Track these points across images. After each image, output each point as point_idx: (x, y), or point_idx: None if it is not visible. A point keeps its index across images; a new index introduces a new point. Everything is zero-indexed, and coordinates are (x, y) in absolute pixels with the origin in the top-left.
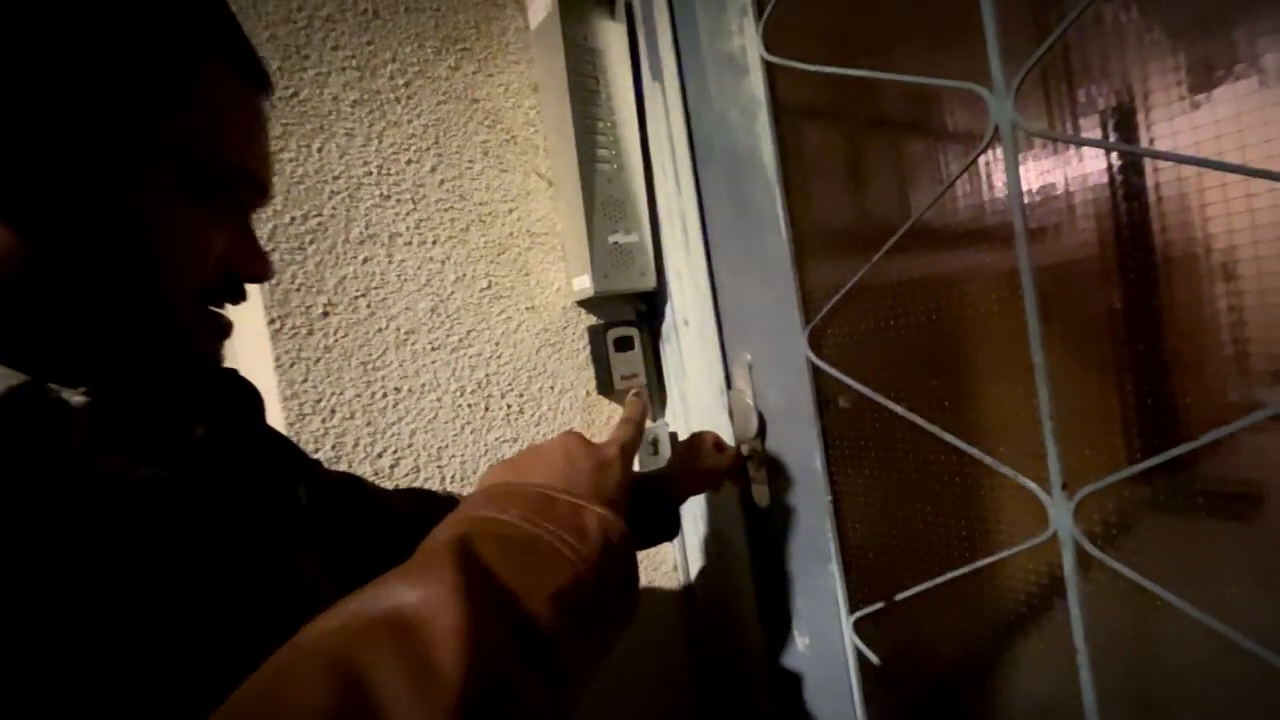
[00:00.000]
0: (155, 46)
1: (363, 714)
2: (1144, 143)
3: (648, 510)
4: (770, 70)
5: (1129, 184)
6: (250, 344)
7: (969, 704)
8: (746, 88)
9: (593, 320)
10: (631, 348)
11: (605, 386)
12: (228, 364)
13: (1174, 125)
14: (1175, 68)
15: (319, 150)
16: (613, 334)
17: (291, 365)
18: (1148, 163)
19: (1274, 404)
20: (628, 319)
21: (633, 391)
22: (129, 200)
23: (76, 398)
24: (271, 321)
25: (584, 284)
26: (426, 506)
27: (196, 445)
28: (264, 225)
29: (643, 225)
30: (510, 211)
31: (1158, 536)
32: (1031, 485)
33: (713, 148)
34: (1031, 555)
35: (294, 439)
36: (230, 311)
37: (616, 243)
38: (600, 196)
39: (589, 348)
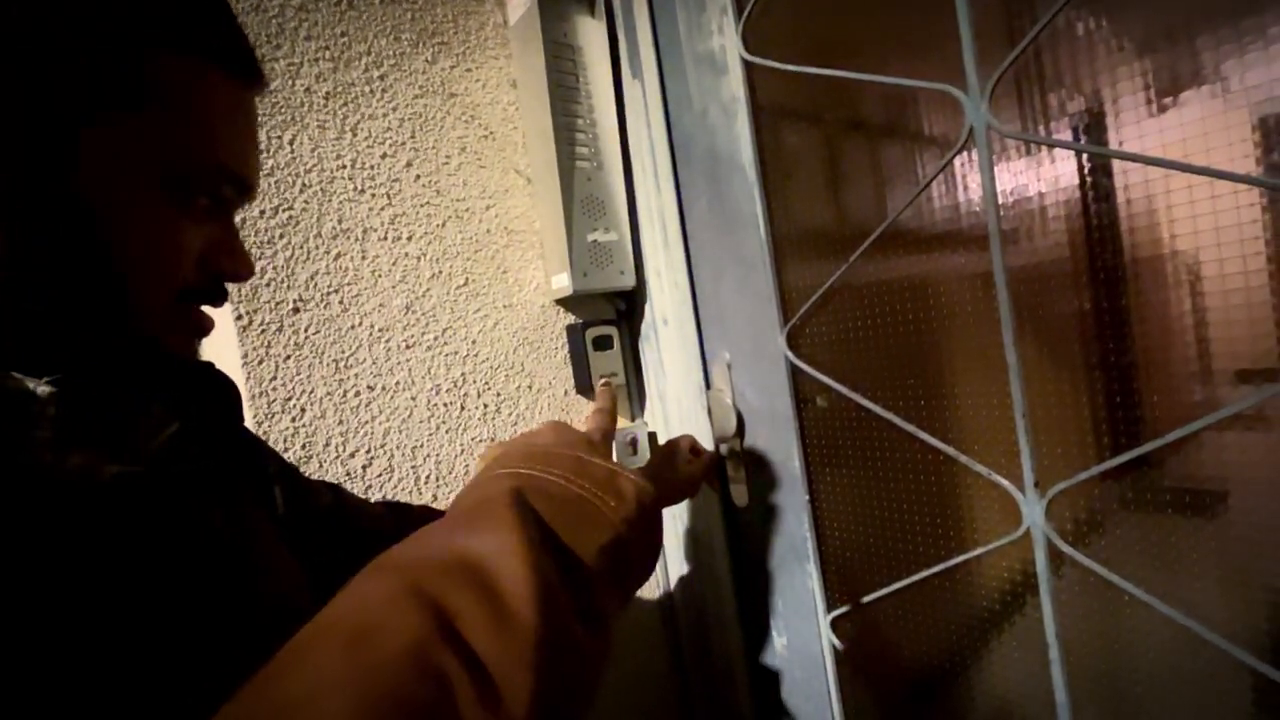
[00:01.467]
0: (107, 47)
1: (455, 644)
2: (1113, 146)
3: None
4: (750, 70)
5: (1099, 187)
6: (217, 340)
7: (944, 700)
8: (726, 87)
9: (571, 319)
10: (610, 347)
11: (584, 386)
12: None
13: (1141, 129)
14: (1142, 74)
15: (290, 142)
16: (591, 333)
17: (260, 362)
18: (1116, 166)
19: (1235, 403)
20: (607, 318)
21: (601, 381)
22: (83, 200)
23: (42, 387)
24: (239, 317)
25: (563, 282)
26: (403, 521)
27: (168, 442)
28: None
29: (622, 224)
30: (488, 208)
31: (1127, 533)
32: (1004, 483)
33: (692, 147)
34: (1006, 553)
35: (263, 438)
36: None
37: (596, 241)
38: (579, 194)
39: (567, 346)
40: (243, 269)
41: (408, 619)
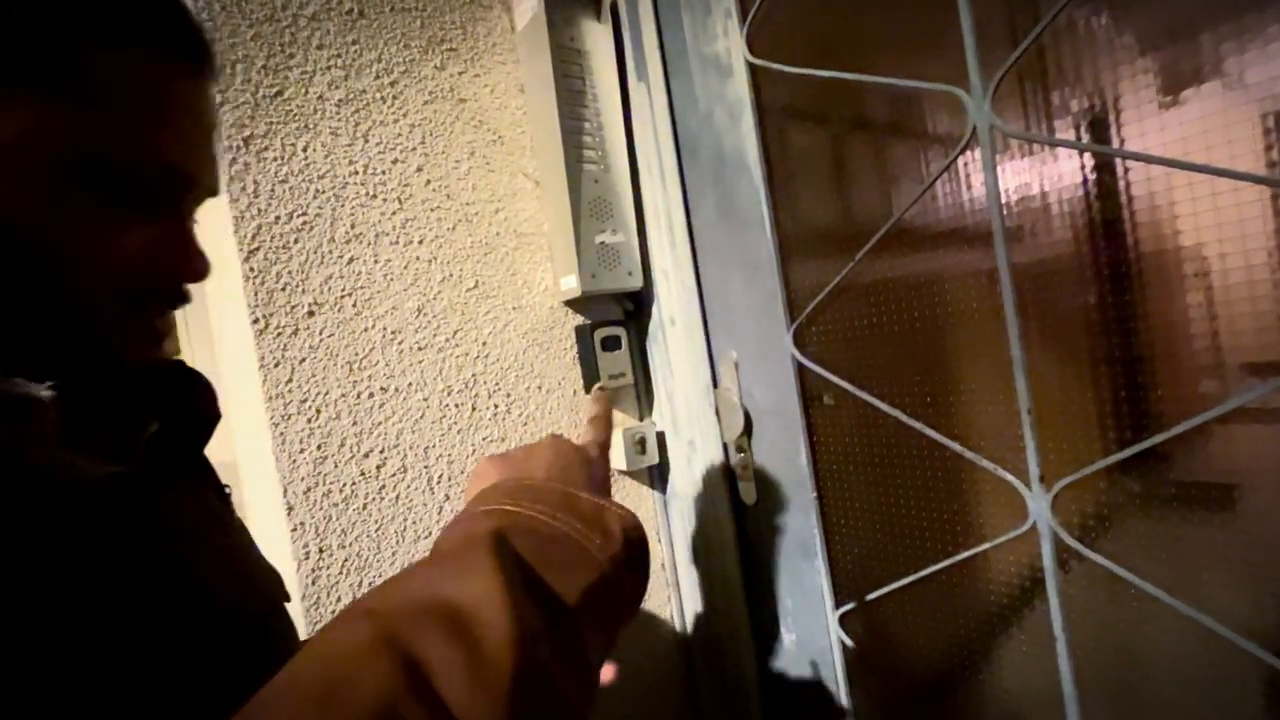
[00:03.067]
0: (17, 40)
1: (425, 697)
2: (1115, 145)
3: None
4: (754, 72)
5: (1102, 185)
6: (234, 344)
7: (952, 694)
8: (731, 89)
9: (580, 320)
10: (619, 347)
11: (592, 386)
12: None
13: (1144, 127)
14: (1145, 72)
15: (304, 149)
16: (600, 333)
17: (276, 365)
18: (1119, 164)
19: (1240, 396)
20: (615, 318)
21: (596, 386)
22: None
23: (44, 392)
24: (255, 321)
25: (571, 283)
26: None
27: (151, 441)
28: (249, 224)
29: (629, 225)
30: (497, 211)
31: (1133, 527)
32: (1010, 478)
33: (698, 148)
34: (1012, 547)
35: (278, 440)
36: (215, 310)
37: (603, 242)
38: (587, 196)
39: (576, 347)
40: (196, 269)
41: (378, 671)
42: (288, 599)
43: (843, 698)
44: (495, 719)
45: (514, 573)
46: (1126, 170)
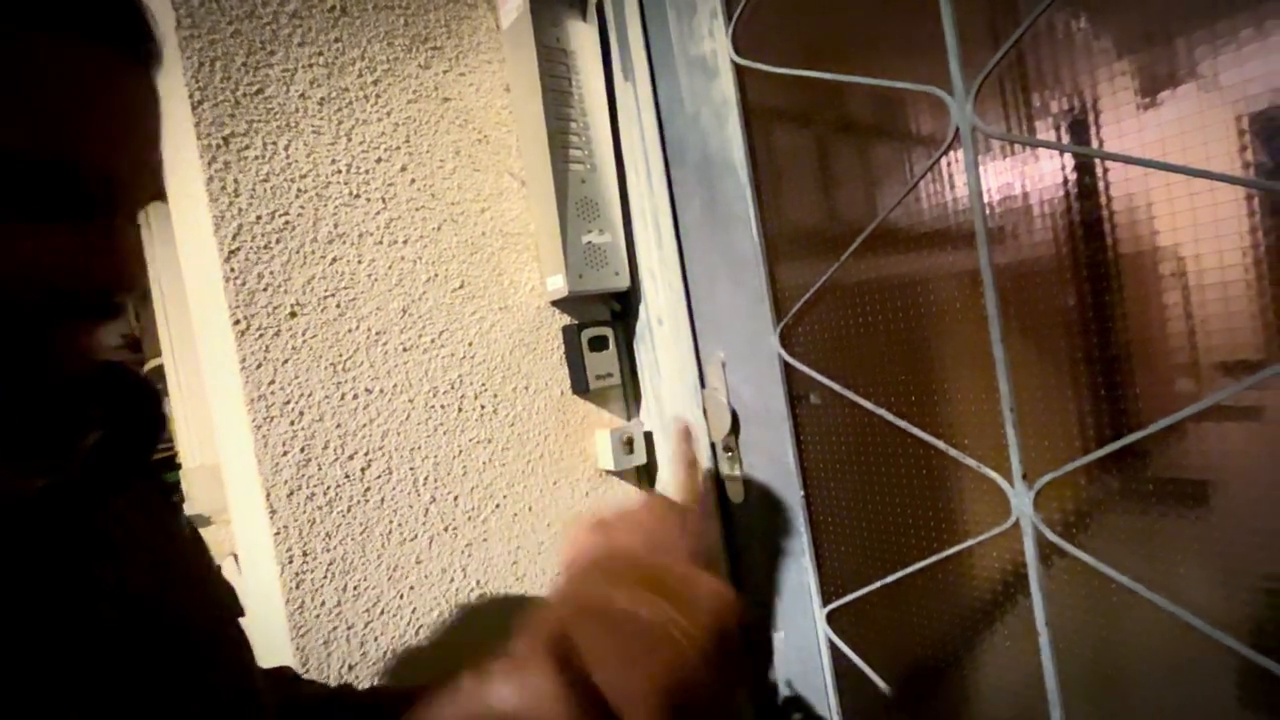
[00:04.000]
0: None
1: None
2: (1095, 146)
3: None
4: (740, 73)
5: (1083, 186)
6: (215, 346)
7: (938, 689)
8: (717, 90)
9: (567, 320)
10: (606, 347)
11: (580, 386)
12: (124, 361)
13: (1122, 128)
14: (1124, 74)
15: (286, 148)
16: (587, 334)
17: (258, 367)
18: (1099, 165)
19: (1216, 393)
20: (602, 319)
21: (677, 429)
22: None
23: None
24: (236, 323)
25: (558, 284)
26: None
27: (92, 451)
28: (229, 224)
29: (616, 225)
30: (483, 211)
31: (1114, 522)
32: (993, 475)
33: (685, 149)
34: (996, 543)
35: (261, 443)
36: (196, 311)
37: (590, 243)
38: (574, 196)
39: (563, 348)
40: (124, 280)
41: None
42: (241, 613)
43: (831, 695)
44: None
45: (573, 674)
46: (1106, 171)
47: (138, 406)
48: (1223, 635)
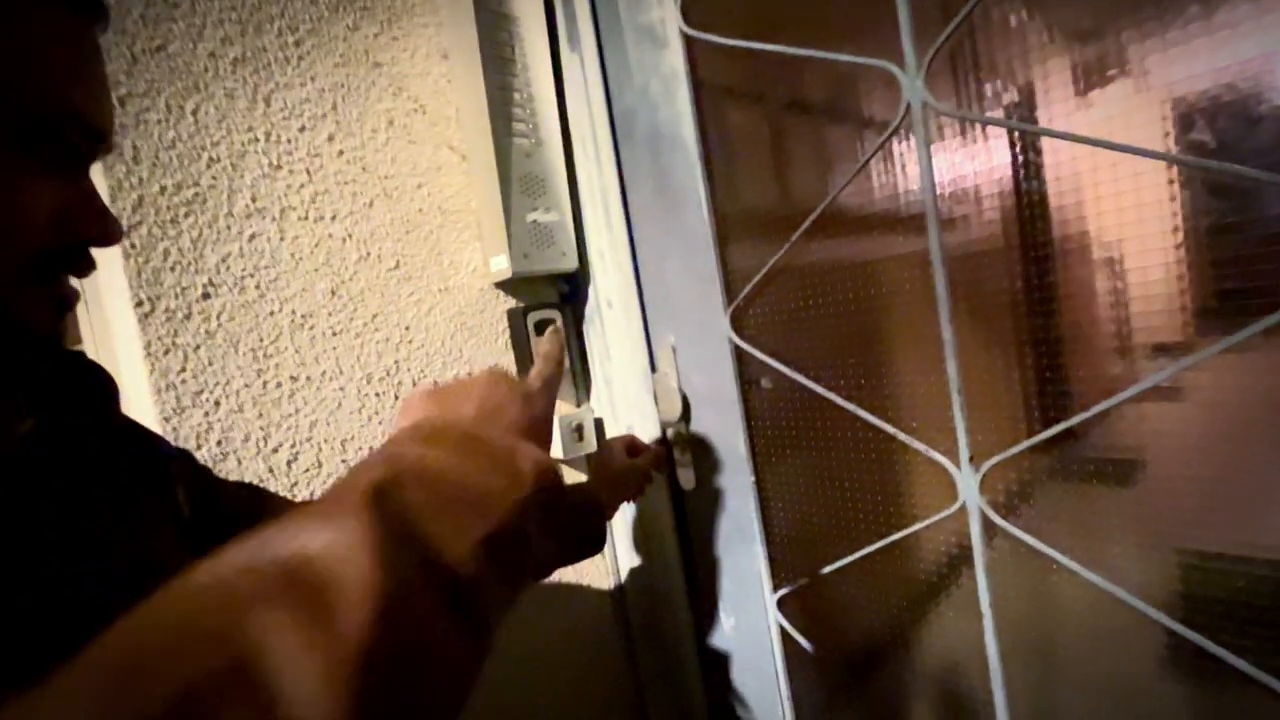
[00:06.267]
0: None
1: (240, 693)
2: (1044, 125)
3: (573, 525)
4: (690, 44)
5: (1030, 167)
6: (115, 329)
7: (886, 671)
8: (666, 61)
9: (512, 303)
10: None
11: (528, 369)
12: (83, 349)
13: (1069, 107)
14: (1071, 65)
15: (193, 112)
16: (533, 316)
17: (166, 353)
18: (1047, 152)
19: (1153, 375)
20: (549, 301)
21: (551, 328)
22: None
23: None
24: (139, 304)
25: (501, 264)
26: None
27: (23, 441)
28: (127, 195)
29: (563, 203)
30: (419, 186)
31: (1055, 503)
32: (941, 459)
33: (634, 123)
34: (943, 526)
35: (171, 435)
36: (103, 292)
37: (536, 221)
38: (517, 172)
39: (508, 332)
40: (108, 231)
41: (187, 656)
42: None
43: (781, 680)
44: (338, 687)
45: (390, 524)
46: (1053, 150)
47: (86, 396)
48: (1153, 610)
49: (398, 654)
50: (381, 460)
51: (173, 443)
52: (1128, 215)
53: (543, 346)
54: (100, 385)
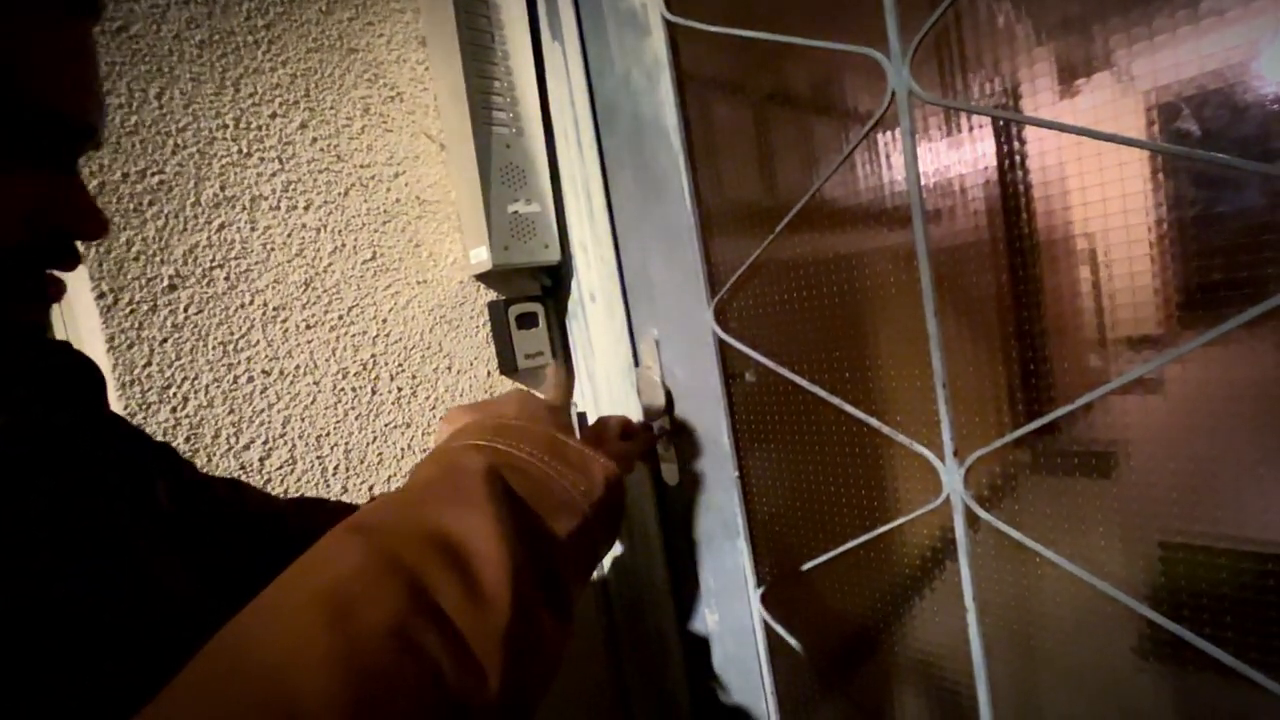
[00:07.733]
0: None
1: (435, 618)
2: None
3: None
4: (672, 31)
5: (1015, 158)
6: (79, 322)
7: (870, 666)
8: (649, 49)
9: (493, 295)
10: (535, 325)
11: (508, 366)
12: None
13: (1055, 96)
14: (1056, 54)
15: (158, 97)
16: (515, 310)
17: (130, 346)
18: (1032, 142)
19: (1135, 368)
20: (531, 294)
21: (556, 362)
22: None
23: None
24: (101, 295)
25: (481, 256)
26: (314, 516)
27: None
28: (86, 181)
29: (545, 194)
30: (396, 176)
31: (1039, 496)
32: (926, 452)
33: (616, 113)
34: (927, 520)
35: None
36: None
37: (517, 212)
38: (498, 162)
39: (489, 325)
40: (96, 226)
41: (387, 591)
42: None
43: (765, 674)
44: (497, 646)
45: (506, 511)
46: (1040, 145)
47: (75, 390)
48: (1136, 602)
49: (519, 620)
50: (479, 449)
51: None
52: (1112, 206)
53: (555, 377)
54: (88, 377)
